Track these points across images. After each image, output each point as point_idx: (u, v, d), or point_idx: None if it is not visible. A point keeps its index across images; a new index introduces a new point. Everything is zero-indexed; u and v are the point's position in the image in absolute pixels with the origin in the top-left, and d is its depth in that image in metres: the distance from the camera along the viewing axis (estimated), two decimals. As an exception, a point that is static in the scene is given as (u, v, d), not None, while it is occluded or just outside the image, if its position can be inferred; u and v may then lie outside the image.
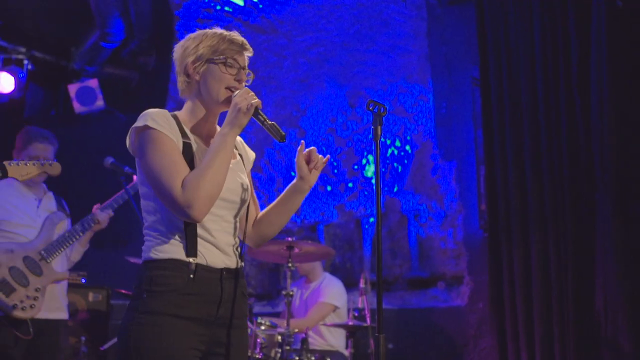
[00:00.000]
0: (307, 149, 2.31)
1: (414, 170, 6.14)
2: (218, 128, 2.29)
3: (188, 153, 2.15)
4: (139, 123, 2.12)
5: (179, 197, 2.03)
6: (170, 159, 2.07)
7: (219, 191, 2.11)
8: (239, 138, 2.39)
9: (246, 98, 2.13)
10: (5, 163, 2.96)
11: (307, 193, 2.34)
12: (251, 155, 2.45)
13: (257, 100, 2.14)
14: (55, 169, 3.17)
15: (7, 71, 6.27)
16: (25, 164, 3.00)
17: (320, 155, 2.31)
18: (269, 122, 2.16)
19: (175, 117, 2.19)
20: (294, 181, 2.33)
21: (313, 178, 2.30)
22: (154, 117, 2.11)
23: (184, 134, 2.17)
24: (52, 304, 3.82)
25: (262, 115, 2.16)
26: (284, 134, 2.16)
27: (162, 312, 2.07)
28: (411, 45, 6.18)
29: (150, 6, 6.42)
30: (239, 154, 2.36)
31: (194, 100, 2.24)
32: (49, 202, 3.98)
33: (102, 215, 3.94)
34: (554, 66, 4.91)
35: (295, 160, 2.31)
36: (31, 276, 3.69)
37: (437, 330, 5.72)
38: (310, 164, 2.29)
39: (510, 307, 4.89)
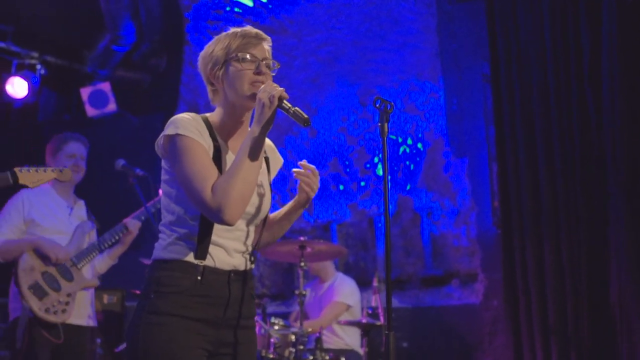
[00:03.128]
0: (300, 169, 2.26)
1: (426, 168, 6.12)
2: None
3: (218, 157, 2.14)
4: (169, 131, 2.11)
5: (210, 201, 2.02)
6: (201, 164, 2.06)
7: (251, 192, 2.09)
8: (269, 142, 2.34)
9: (268, 91, 2.09)
10: (16, 169, 2.97)
11: (306, 207, 2.34)
12: (279, 160, 2.42)
13: (278, 90, 2.09)
14: (66, 175, 3.18)
15: (21, 76, 6.33)
16: (36, 171, 3.01)
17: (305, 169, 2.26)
18: (292, 109, 2.12)
19: (207, 121, 2.18)
20: (297, 197, 2.31)
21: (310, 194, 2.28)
22: (184, 124, 2.10)
23: (214, 138, 2.16)
24: (82, 311, 3.87)
25: (286, 104, 2.11)
26: (306, 117, 2.10)
27: (169, 312, 2.08)
28: (421, 43, 6.16)
29: (160, 9, 6.45)
30: (266, 157, 2.31)
31: (224, 105, 2.21)
32: (80, 210, 4.03)
33: (132, 223, 3.97)
34: (565, 61, 4.88)
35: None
36: (63, 281, 3.74)
37: (452, 328, 5.70)
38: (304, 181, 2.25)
39: (525, 303, 4.86)
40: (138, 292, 4.73)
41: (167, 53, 6.81)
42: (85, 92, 6.66)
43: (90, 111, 6.65)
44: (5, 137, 6.71)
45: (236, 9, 6.37)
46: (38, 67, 6.50)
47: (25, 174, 2.98)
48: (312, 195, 2.27)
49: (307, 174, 2.24)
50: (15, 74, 6.34)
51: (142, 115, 6.84)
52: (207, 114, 2.23)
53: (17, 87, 6.30)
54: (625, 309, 4.46)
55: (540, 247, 4.85)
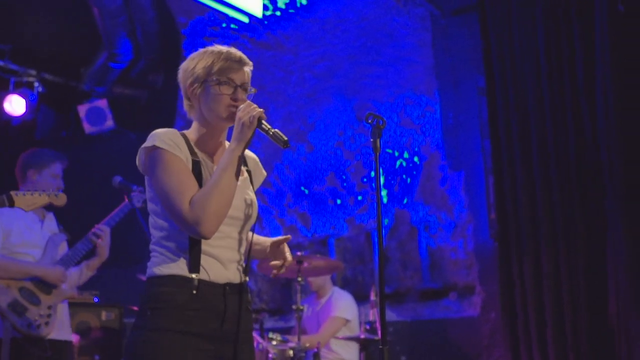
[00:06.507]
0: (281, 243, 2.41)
1: (422, 181, 6.14)
2: (227, 143, 2.32)
3: (197, 171, 2.17)
4: (147, 143, 2.16)
5: (187, 214, 2.06)
6: (178, 178, 2.10)
7: (228, 207, 2.13)
8: (253, 155, 2.42)
9: (248, 112, 2.14)
10: (12, 193, 2.98)
11: None
12: (262, 173, 2.46)
13: (258, 111, 2.15)
14: (61, 199, 3.19)
15: (18, 94, 6.35)
16: (32, 194, 3.02)
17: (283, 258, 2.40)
18: (272, 131, 2.18)
19: (184, 136, 2.22)
20: (267, 248, 2.42)
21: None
22: (162, 138, 2.14)
23: (192, 152, 2.19)
24: (63, 325, 3.86)
25: (265, 125, 2.18)
26: (286, 139, 2.17)
27: (167, 328, 2.09)
28: (417, 57, 6.20)
29: (157, 26, 6.49)
30: (248, 170, 2.36)
31: (199, 121, 2.27)
32: (51, 223, 4.02)
33: (100, 228, 3.95)
34: (560, 73, 4.91)
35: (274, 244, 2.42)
36: (41, 295, 3.72)
37: (450, 341, 5.70)
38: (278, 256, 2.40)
39: (523, 315, 4.86)
40: (136, 308, 4.75)
41: (164, 70, 6.85)
42: (82, 109, 6.69)
43: (88, 128, 6.67)
44: (3, 154, 6.72)
45: (232, 26, 6.41)
46: (36, 84, 6.53)
47: (20, 198, 2.99)
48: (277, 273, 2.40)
49: (281, 264, 2.37)
50: (13, 92, 6.36)
51: (140, 131, 6.85)
52: (185, 131, 2.27)
53: (15, 105, 6.32)
54: (624, 320, 4.46)
55: (537, 259, 4.85)
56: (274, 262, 2.38)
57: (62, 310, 3.88)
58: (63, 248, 3.97)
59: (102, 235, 3.94)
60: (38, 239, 3.87)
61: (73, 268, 3.95)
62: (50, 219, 4.03)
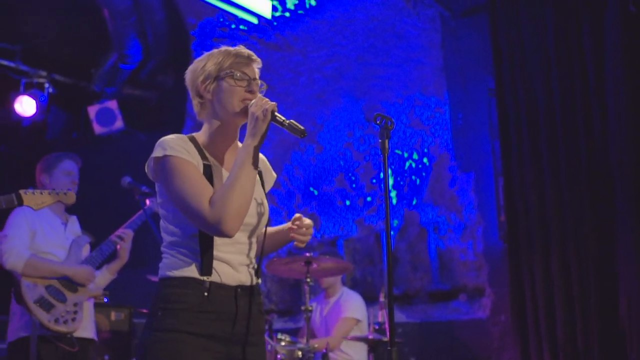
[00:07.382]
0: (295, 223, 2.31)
1: (432, 182, 6.13)
2: (239, 144, 2.30)
3: (208, 175, 2.16)
4: (157, 153, 2.14)
5: (208, 215, 2.05)
6: (192, 181, 2.09)
7: (249, 203, 2.12)
8: (262, 157, 2.38)
9: (261, 105, 2.13)
10: (21, 192, 2.99)
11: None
12: (272, 175, 2.44)
13: (271, 104, 2.14)
14: (70, 198, 3.20)
15: (29, 95, 6.40)
16: (41, 193, 3.02)
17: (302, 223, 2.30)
18: (287, 122, 2.15)
19: (194, 140, 2.21)
20: (287, 233, 2.34)
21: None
22: (171, 145, 2.13)
23: (203, 157, 2.18)
24: (88, 324, 3.94)
25: (280, 117, 2.15)
26: (303, 128, 2.14)
27: (177, 329, 2.08)
28: (426, 58, 6.19)
29: (167, 27, 6.52)
30: (259, 171, 2.33)
31: (210, 121, 2.24)
32: (74, 225, 4.10)
33: (124, 232, 4.03)
34: (570, 74, 4.89)
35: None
36: (67, 293, 3.80)
37: (460, 343, 5.68)
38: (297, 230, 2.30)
39: (533, 318, 4.84)
40: (145, 310, 4.76)
41: (174, 70, 6.87)
42: (92, 110, 6.72)
43: (98, 129, 6.70)
44: (14, 154, 6.77)
45: (241, 27, 6.42)
46: (46, 85, 6.57)
47: (30, 196, 3.00)
48: (303, 245, 2.31)
49: (302, 232, 2.28)
50: (24, 93, 6.42)
51: (150, 132, 6.88)
52: (194, 134, 2.26)
53: (26, 106, 6.37)
54: (635, 321, 4.43)
55: (547, 261, 4.83)
56: (290, 227, 2.28)
57: (88, 308, 3.95)
58: (86, 250, 4.05)
59: (126, 238, 4.00)
60: (62, 240, 3.94)
61: (95, 271, 4.00)
62: (74, 222, 4.11)
